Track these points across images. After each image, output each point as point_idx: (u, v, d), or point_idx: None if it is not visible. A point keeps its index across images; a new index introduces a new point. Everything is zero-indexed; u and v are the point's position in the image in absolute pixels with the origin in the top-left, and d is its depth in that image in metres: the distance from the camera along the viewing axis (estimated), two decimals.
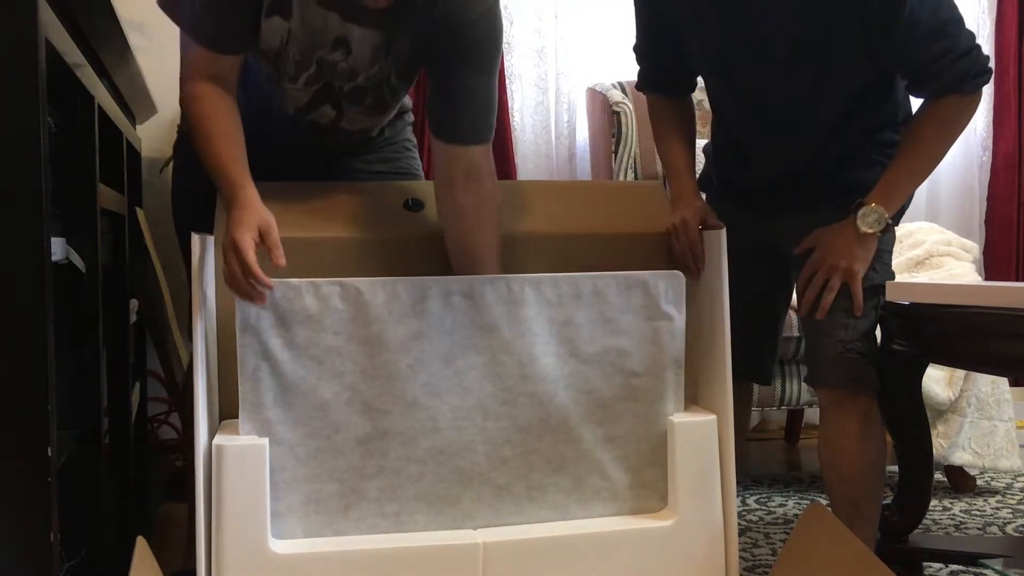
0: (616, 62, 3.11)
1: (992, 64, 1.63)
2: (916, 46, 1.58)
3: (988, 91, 3.38)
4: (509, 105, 3.14)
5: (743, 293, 1.71)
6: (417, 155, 1.97)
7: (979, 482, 2.66)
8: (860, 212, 1.61)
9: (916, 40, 1.58)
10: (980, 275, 3.11)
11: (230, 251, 1.42)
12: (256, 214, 1.46)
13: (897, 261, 2.68)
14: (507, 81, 3.12)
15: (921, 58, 1.60)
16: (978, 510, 2.44)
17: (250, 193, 1.48)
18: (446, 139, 1.60)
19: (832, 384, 1.72)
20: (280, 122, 1.69)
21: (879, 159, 1.74)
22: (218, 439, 1.47)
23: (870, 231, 1.62)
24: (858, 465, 1.71)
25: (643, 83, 1.90)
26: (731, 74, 1.78)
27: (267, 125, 1.68)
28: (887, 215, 1.63)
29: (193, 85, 1.54)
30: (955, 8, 1.61)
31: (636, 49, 1.89)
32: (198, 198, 1.63)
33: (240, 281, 1.42)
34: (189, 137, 1.62)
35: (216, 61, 1.54)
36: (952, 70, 1.59)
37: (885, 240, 1.74)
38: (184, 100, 1.57)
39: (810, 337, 1.77)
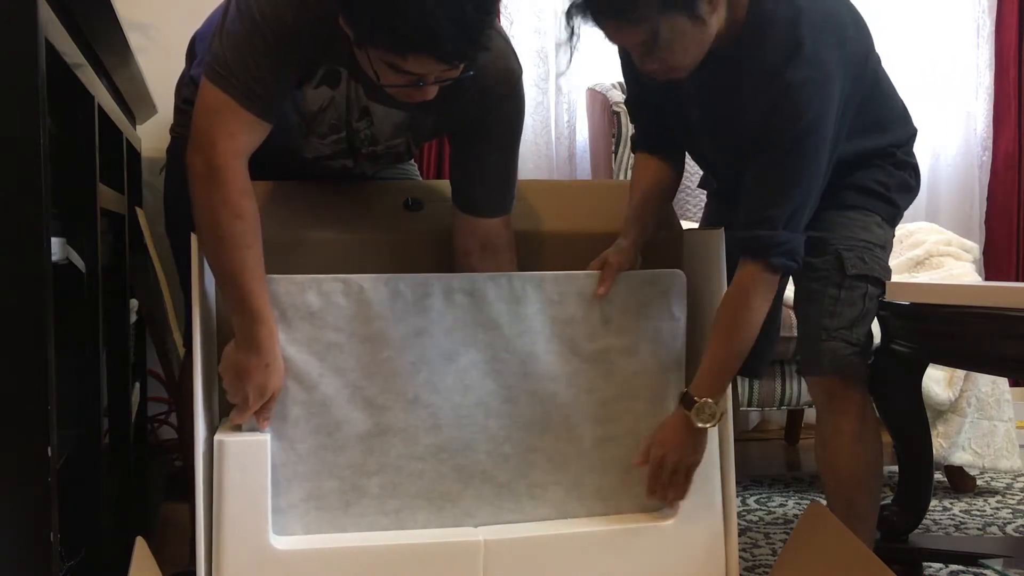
0: (616, 62, 3.10)
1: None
2: (767, 186, 1.56)
3: (988, 91, 3.39)
4: None
5: None
6: (413, 160, 1.97)
7: (979, 482, 2.66)
8: (693, 409, 1.58)
9: (770, 179, 1.56)
10: (980, 275, 3.11)
11: (251, 403, 1.45)
12: (279, 375, 1.46)
13: (897, 261, 2.68)
14: None
15: (764, 200, 1.57)
16: (978, 510, 2.44)
17: (270, 335, 1.45)
18: (465, 210, 1.62)
19: (817, 372, 1.71)
20: (290, 155, 1.65)
21: (880, 163, 1.73)
22: (219, 435, 1.47)
23: (705, 426, 1.59)
24: (854, 465, 1.70)
25: (633, 143, 1.87)
26: (692, 146, 1.81)
27: (275, 155, 1.60)
28: (718, 407, 1.59)
29: (222, 158, 1.42)
30: (814, 186, 1.57)
31: (626, 103, 1.89)
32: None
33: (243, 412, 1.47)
34: (182, 143, 1.58)
35: (252, 130, 1.45)
36: (773, 235, 1.55)
37: (877, 235, 1.72)
38: (208, 172, 1.43)
39: (799, 327, 1.76)
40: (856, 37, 1.60)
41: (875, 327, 1.78)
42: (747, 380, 2.44)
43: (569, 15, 1.55)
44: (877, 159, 1.74)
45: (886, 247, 1.76)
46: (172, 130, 1.85)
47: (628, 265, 1.66)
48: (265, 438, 1.47)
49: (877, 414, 1.74)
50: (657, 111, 1.78)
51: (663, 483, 1.60)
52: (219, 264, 1.45)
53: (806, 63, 1.51)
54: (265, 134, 1.48)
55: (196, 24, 1.83)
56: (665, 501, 1.63)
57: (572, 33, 1.57)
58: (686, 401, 1.59)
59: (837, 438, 1.70)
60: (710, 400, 1.58)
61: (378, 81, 1.37)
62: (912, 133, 1.79)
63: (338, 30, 1.37)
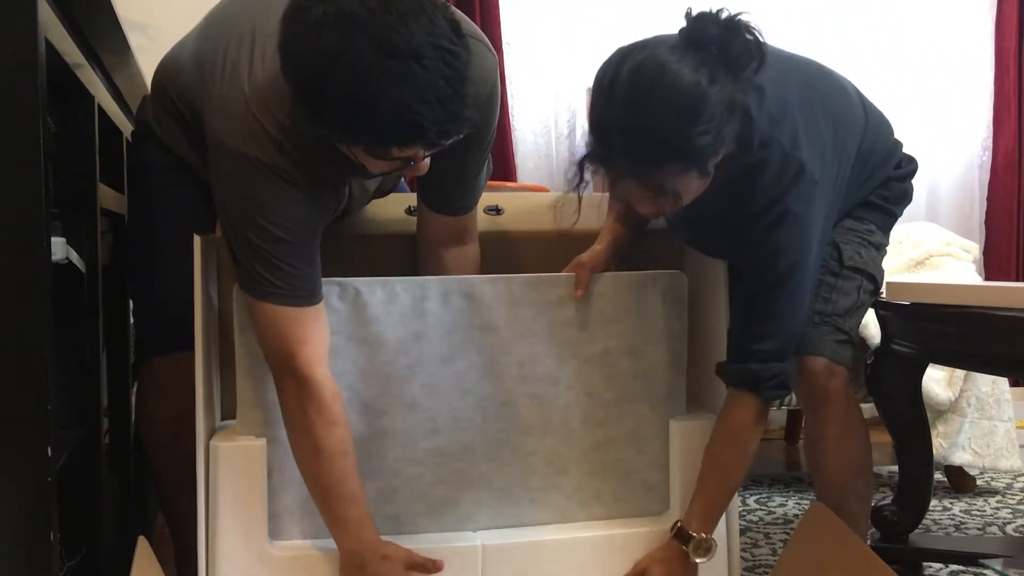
0: None
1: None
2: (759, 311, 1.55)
3: (988, 91, 3.39)
4: (509, 105, 3.14)
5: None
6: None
7: (979, 482, 2.66)
8: (691, 544, 1.57)
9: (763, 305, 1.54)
10: (980, 275, 3.11)
11: None
12: (397, 553, 1.44)
13: (897, 261, 2.67)
14: (507, 81, 3.12)
15: (755, 328, 1.56)
16: (978, 510, 2.44)
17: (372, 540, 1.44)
18: (438, 211, 1.60)
19: (806, 351, 1.66)
20: None
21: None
22: (215, 440, 1.46)
23: (701, 560, 1.59)
24: (839, 467, 1.69)
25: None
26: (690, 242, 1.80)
27: None
28: (713, 540, 1.58)
29: (307, 369, 1.40)
30: (800, 318, 1.57)
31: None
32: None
33: None
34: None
35: (319, 321, 1.43)
36: (764, 368, 1.55)
37: (871, 239, 1.71)
38: (298, 386, 1.40)
39: None
40: (833, 144, 1.58)
41: (876, 327, 1.78)
42: None
43: (582, 164, 1.49)
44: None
45: (880, 249, 1.75)
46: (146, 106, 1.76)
47: (602, 267, 1.65)
48: (261, 443, 1.47)
49: (863, 415, 1.72)
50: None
51: None
52: (317, 480, 1.43)
53: (789, 217, 1.50)
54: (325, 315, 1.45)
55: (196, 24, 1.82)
56: None
57: (581, 180, 1.51)
58: (681, 535, 1.57)
59: (822, 442, 1.70)
60: (706, 536, 1.57)
61: (368, 172, 1.35)
62: (899, 145, 1.77)
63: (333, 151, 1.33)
